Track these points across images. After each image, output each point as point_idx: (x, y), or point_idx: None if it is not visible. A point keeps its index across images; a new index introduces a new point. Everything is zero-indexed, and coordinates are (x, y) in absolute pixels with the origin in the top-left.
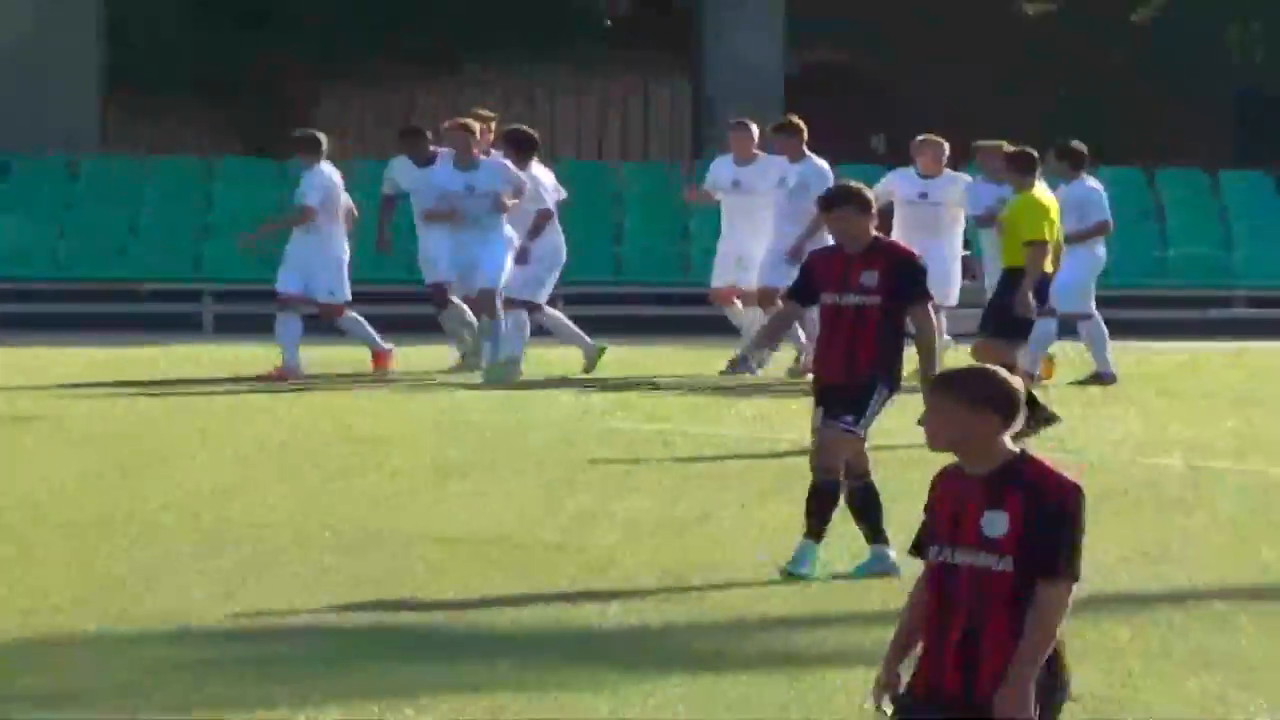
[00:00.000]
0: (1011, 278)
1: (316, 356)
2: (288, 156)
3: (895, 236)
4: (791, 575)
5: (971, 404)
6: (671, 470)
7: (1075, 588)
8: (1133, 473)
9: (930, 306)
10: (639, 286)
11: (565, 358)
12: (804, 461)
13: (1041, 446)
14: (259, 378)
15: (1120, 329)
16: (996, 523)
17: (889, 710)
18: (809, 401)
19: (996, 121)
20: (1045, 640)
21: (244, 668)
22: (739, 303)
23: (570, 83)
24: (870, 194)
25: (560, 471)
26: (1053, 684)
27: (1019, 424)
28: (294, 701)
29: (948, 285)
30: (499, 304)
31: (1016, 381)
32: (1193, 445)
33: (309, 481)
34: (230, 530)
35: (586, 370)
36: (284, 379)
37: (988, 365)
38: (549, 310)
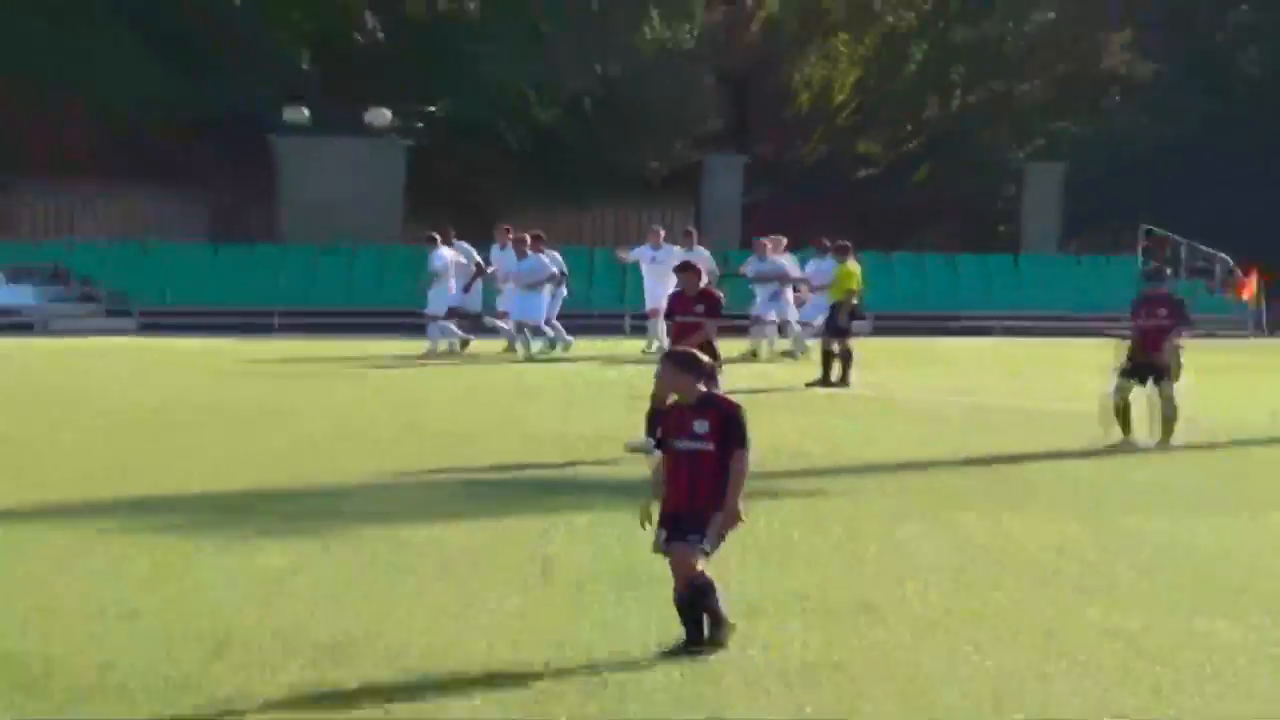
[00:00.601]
0: (837, 307)
1: (484, 349)
2: (476, 244)
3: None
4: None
5: (681, 368)
6: None
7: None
8: (928, 405)
9: (715, 324)
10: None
11: (603, 347)
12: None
13: (869, 387)
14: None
15: (935, 331)
16: (702, 425)
17: (649, 526)
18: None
19: (838, 228)
20: (740, 484)
21: (451, 503)
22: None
23: (631, 209)
24: (702, 265)
25: (594, 402)
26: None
27: (710, 380)
28: (453, 514)
29: (787, 310)
30: (544, 326)
31: (705, 358)
32: (967, 390)
33: (486, 401)
34: (443, 432)
35: (513, 350)
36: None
37: (692, 348)
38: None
